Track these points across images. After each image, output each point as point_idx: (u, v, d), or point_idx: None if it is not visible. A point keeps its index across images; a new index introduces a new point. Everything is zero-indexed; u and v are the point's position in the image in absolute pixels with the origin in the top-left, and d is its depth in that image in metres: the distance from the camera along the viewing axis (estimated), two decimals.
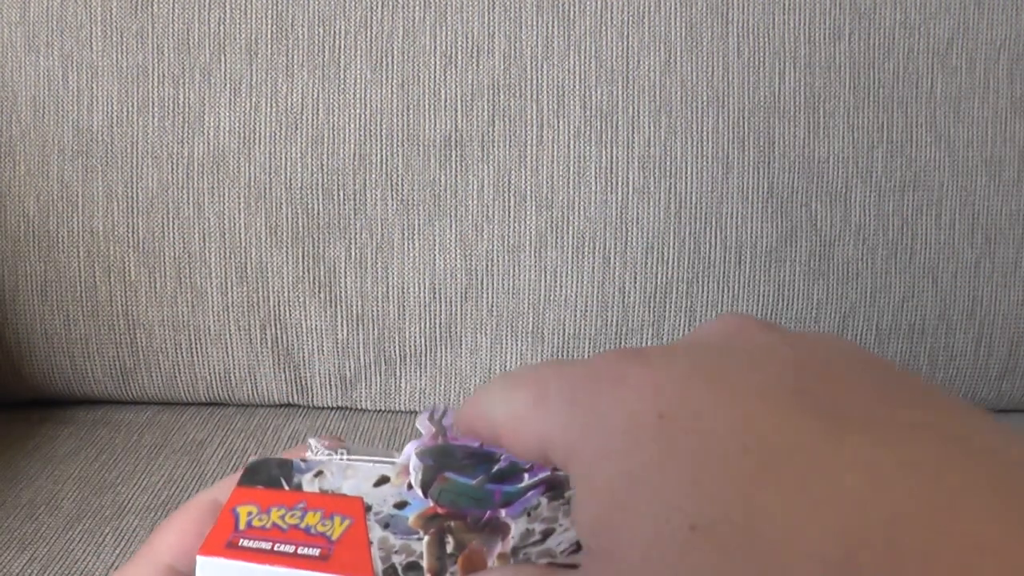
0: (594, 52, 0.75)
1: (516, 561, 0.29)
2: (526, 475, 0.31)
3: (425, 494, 0.31)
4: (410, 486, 0.31)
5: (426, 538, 0.29)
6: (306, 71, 0.75)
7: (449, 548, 0.29)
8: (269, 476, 0.32)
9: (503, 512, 0.30)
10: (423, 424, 0.33)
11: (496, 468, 0.31)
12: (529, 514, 0.30)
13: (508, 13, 0.75)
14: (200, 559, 0.29)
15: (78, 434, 0.75)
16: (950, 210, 0.77)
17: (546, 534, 0.30)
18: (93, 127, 0.75)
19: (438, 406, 0.33)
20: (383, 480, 0.31)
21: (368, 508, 0.30)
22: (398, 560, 0.29)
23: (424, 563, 0.29)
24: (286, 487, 0.31)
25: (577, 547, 0.29)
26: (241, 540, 0.29)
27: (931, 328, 0.78)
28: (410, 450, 0.32)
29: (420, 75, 0.75)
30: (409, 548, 0.29)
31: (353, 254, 0.76)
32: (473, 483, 0.31)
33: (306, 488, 0.31)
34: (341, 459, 0.33)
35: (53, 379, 0.79)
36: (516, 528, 0.30)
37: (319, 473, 0.32)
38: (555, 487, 0.31)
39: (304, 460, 0.32)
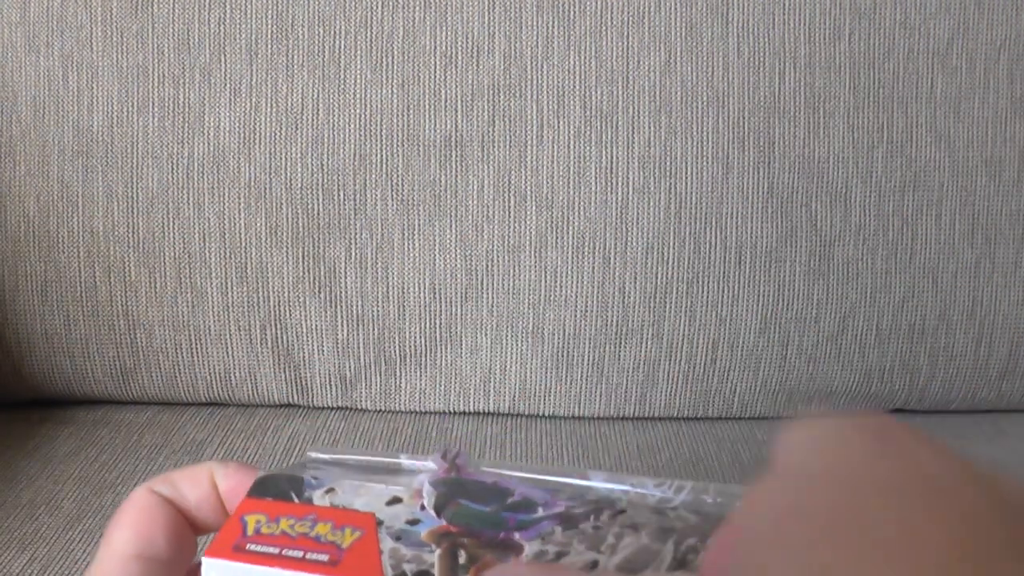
0: (594, 52, 0.75)
1: None
2: (540, 508, 0.31)
3: (438, 515, 0.31)
4: (423, 507, 0.31)
5: (438, 551, 0.29)
6: (306, 71, 0.75)
7: (461, 560, 0.29)
8: (279, 490, 0.31)
9: (517, 535, 0.30)
10: (436, 461, 0.33)
11: (510, 501, 0.31)
12: (543, 539, 0.30)
13: (508, 13, 0.75)
14: (206, 560, 0.29)
15: (78, 434, 0.75)
16: (950, 210, 0.77)
17: (560, 555, 0.29)
18: (93, 127, 0.75)
19: (451, 448, 0.33)
20: (395, 500, 0.31)
21: (380, 523, 0.30)
22: (409, 568, 0.29)
23: (436, 573, 0.29)
24: (296, 501, 0.31)
25: (592, 566, 0.29)
26: (248, 544, 0.29)
27: (931, 328, 0.78)
28: (423, 479, 0.32)
29: (420, 75, 0.75)
30: (420, 558, 0.29)
31: (353, 254, 0.76)
32: (487, 510, 0.31)
33: (317, 503, 0.31)
34: (353, 460, 0.33)
35: (53, 379, 0.79)
36: (530, 548, 0.29)
37: (330, 490, 0.32)
38: (569, 520, 0.30)
39: (315, 477, 0.32)
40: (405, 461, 0.33)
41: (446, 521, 0.30)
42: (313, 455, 0.33)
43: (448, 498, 0.31)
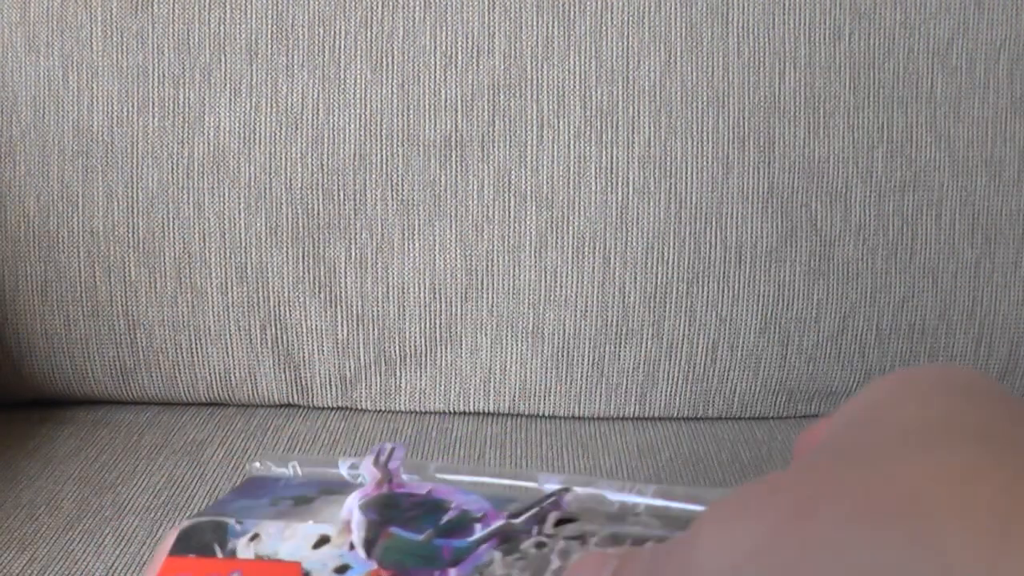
0: (594, 52, 0.75)
1: None
2: (478, 526, 0.29)
3: (368, 554, 0.28)
4: (352, 546, 0.29)
5: None
6: (306, 71, 0.75)
7: None
8: (202, 543, 0.29)
9: (452, 572, 0.28)
10: (367, 469, 0.30)
11: (445, 519, 0.29)
12: (481, 573, 0.28)
13: (508, 13, 0.75)
14: None
15: (78, 434, 0.75)
16: (950, 210, 0.77)
17: None
18: (93, 127, 0.75)
19: (385, 446, 0.30)
20: (323, 540, 0.29)
21: (306, 574, 0.28)
22: None
23: None
24: (220, 554, 0.29)
25: None
26: None
27: (931, 328, 0.78)
28: (353, 503, 0.29)
29: (420, 75, 0.75)
30: None
31: (353, 254, 0.76)
32: (420, 539, 0.28)
33: (241, 554, 0.29)
34: (293, 473, 0.30)
35: (53, 379, 0.79)
36: None
37: (255, 537, 0.29)
38: (509, 539, 0.28)
39: (239, 522, 0.30)
40: (345, 470, 0.31)
41: (376, 562, 0.28)
42: (257, 465, 0.32)
43: (378, 528, 0.29)
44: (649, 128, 0.75)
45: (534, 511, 0.29)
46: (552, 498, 0.29)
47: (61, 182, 0.75)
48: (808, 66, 0.75)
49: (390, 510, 0.29)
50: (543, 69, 0.75)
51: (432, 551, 0.28)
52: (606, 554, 0.26)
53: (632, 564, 0.25)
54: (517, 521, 0.29)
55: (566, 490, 0.29)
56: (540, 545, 0.28)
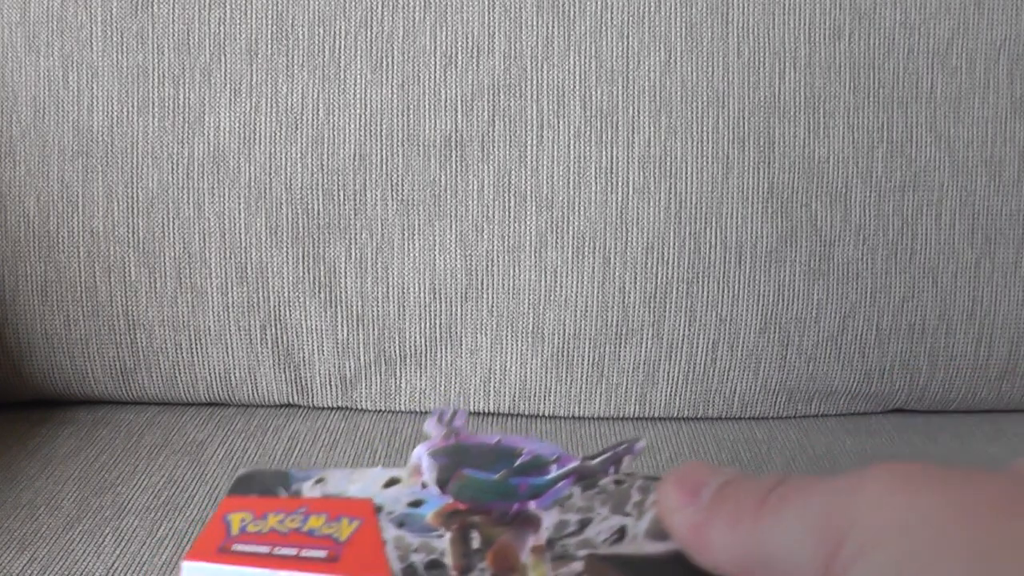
0: (594, 52, 0.75)
1: (553, 554, 0.26)
2: (553, 467, 0.28)
3: (442, 491, 0.28)
4: (424, 485, 0.28)
5: (449, 534, 0.26)
6: (306, 71, 0.75)
7: (475, 544, 0.26)
8: (263, 486, 0.28)
9: (532, 504, 0.27)
10: (432, 427, 0.30)
11: (519, 462, 0.28)
12: (561, 506, 0.27)
13: (508, 13, 0.75)
14: (186, 565, 0.26)
15: (78, 434, 0.75)
16: (950, 210, 0.77)
17: (583, 524, 0.27)
18: (93, 127, 0.75)
19: (447, 409, 0.30)
20: (393, 482, 0.28)
21: (379, 509, 0.27)
22: (418, 559, 0.26)
23: (449, 560, 0.26)
24: (284, 495, 0.28)
25: (620, 535, 0.26)
26: (235, 545, 0.26)
27: (931, 328, 0.78)
28: (421, 451, 0.29)
29: (420, 75, 0.75)
30: (429, 546, 0.26)
31: (353, 254, 0.76)
32: (495, 478, 0.28)
33: (307, 494, 0.28)
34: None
35: (53, 379, 0.79)
36: (548, 519, 0.27)
37: (320, 480, 0.29)
38: (587, 476, 0.28)
39: (302, 468, 0.30)
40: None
41: (452, 497, 0.27)
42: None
43: (450, 470, 0.28)
44: (649, 128, 0.75)
45: (609, 454, 0.29)
46: (625, 444, 0.29)
47: (61, 182, 0.75)
48: (808, 66, 0.75)
49: (461, 455, 0.29)
50: (543, 69, 0.75)
51: (509, 488, 0.27)
52: (713, 466, 0.25)
53: (750, 481, 0.24)
54: (593, 462, 0.28)
55: (638, 439, 0.29)
56: (619, 483, 0.28)
